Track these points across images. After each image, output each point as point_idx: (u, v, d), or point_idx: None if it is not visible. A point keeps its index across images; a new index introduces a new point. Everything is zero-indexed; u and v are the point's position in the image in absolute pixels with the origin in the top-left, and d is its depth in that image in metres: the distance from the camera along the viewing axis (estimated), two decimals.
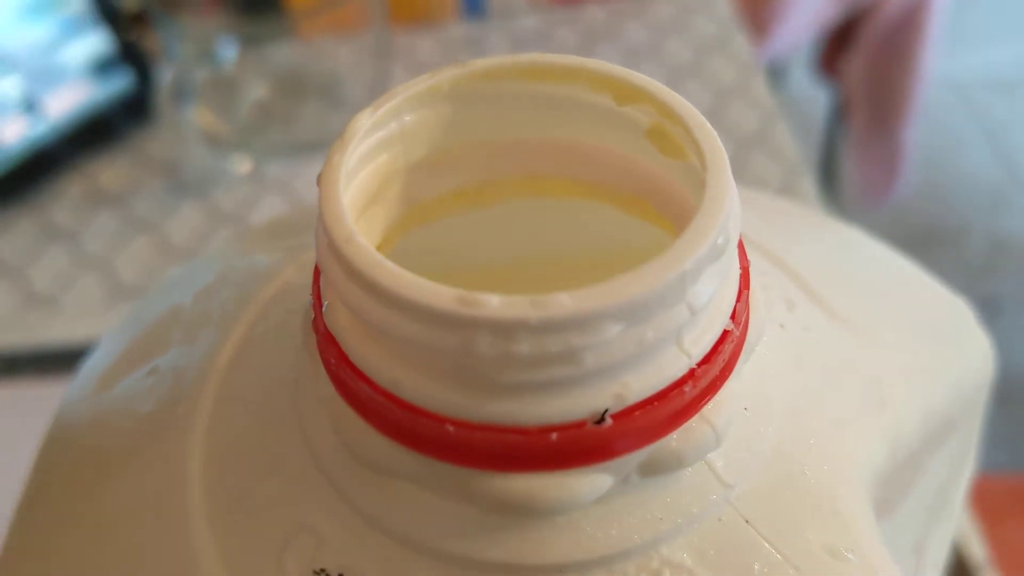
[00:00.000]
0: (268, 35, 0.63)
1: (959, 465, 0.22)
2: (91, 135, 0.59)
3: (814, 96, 1.25)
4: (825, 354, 0.17)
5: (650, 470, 0.14)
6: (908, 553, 0.21)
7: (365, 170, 0.15)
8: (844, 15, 1.10)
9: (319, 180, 0.14)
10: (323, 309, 0.14)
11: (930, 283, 0.21)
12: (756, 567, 0.14)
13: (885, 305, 0.19)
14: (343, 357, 0.13)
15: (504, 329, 0.12)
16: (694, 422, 0.14)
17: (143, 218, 0.57)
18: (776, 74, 1.21)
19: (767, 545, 0.14)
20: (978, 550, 0.45)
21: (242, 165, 0.59)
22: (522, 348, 0.12)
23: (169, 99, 0.60)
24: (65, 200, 0.58)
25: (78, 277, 0.55)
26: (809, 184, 0.56)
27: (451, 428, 0.13)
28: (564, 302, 0.12)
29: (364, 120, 0.15)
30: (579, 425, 0.13)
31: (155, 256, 0.55)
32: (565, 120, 0.16)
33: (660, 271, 0.12)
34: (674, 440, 0.13)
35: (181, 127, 0.60)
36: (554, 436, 0.13)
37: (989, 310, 1.25)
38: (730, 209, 0.13)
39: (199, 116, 0.59)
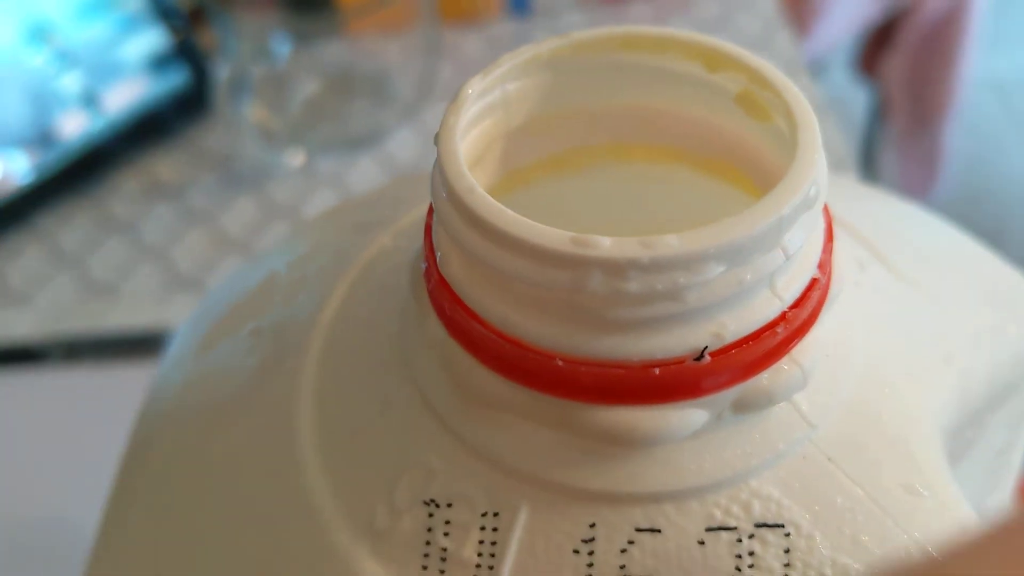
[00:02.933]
0: (320, 33, 0.64)
1: (1016, 431, 0.22)
2: (148, 130, 0.61)
3: (854, 95, 1.25)
4: (895, 311, 0.18)
5: (742, 407, 0.15)
6: None
7: (471, 133, 0.16)
8: (884, 14, 1.10)
9: (437, 139, 0.15)
10: (437, 259, 0.15)
11: (989, 255, 0.22)
12: (839, 501, 0.15)
13: (947, 270, 0.20)
14: (457, 300, 0.15)
15: (616, 267, 0.13)
16: (784, 363, 0.15)
17: (199, 210, 0.58)
18: (816, 73, 1.21)
19: (848, 481, 0.15)
20: None
21: (295, 159, 0.60)
22: (631, 286, 0.13)
23: (225, 94, 0.61)
24: (123, 193, 0.60)
25: (136, 267, 0.56)
26: (854, 179, 0.57)
27: (560, 363, 0.14)
28: (672, 243, 0.13)
29: (475, 86, 0.16)
30: (679, 362, 0.14)
31: (210, 247, 0.56)
32: (655, 88, 0.17)
33: (760, 216, 0.13)
34: (765, 379, 0.14)
35: (236, 122, 0.61)
36: (656, 371, 0.14)
37: None
38: (820, 163, 0.14)
39: (253, 111, 0.61)
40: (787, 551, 0.14)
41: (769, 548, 0.14)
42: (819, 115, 0.53)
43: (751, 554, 0.14)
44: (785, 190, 0.13)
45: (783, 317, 0.14)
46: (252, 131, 0.61)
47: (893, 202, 0.23)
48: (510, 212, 0.13)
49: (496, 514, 0.15)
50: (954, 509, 0.15)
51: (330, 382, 0.17)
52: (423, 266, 0.16)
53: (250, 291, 0.21)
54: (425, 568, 0.15)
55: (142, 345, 0.51)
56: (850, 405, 0.16)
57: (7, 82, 0.58)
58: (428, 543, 0.15)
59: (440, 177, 0.14)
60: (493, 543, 0.15)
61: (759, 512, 0.15)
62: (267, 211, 0.58)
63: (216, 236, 0.57)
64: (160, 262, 0.56)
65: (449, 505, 0.15)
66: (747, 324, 0.14)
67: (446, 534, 0.15)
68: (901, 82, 1.15)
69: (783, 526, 0.14)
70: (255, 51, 0.60)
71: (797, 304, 0.14)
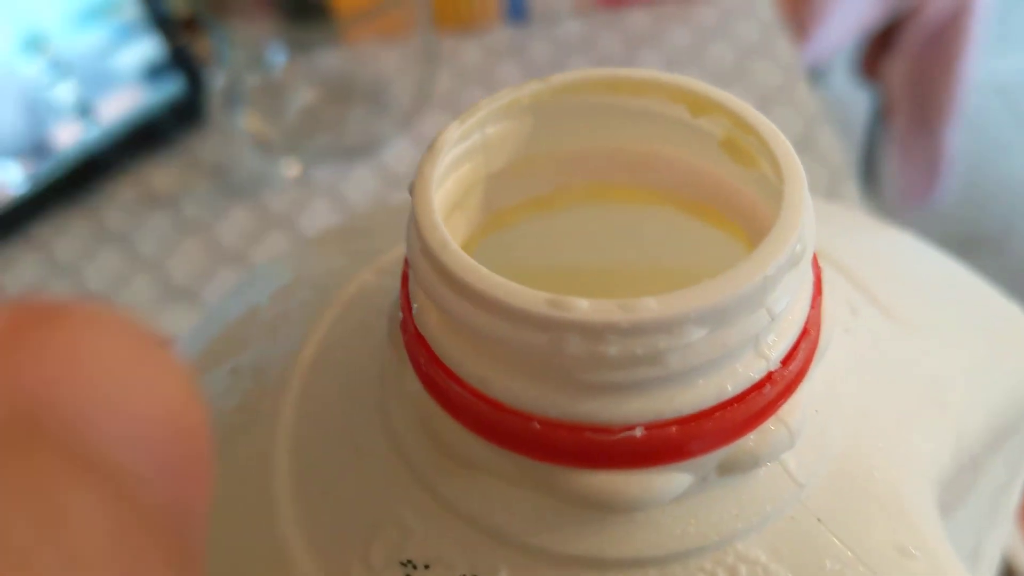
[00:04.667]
0: (316, 41, 0.64)
1: (1015, 469, 0.22)
2: (143, 139, 0.61)
3: (855, 99, 1.24)
4: (888, 356, 0.17)
5: (727, 469, 0.14)
6: (966, 557, 0.22)
7: (450, 179, 0.16)
8: (886, 17, 1.09)
9: (411, 189, 0.14)
10: (413, 311, 0.15)
11: (984, 287, 0.21)
12: (828, 564, 0.14)
13: (942, 308, 0.20)
14: (433, 356, 0.14)
15: (594, 331, 0.12)
16: (770, 423, 0.14)
17: (194, 220, 0.58)
18: (817, 77, 1.20)
19: (838, 543, 0.14)
20: None
21: (290, 169, 0.60)
22: (610, 350, 0.12)
23: (220, 104, 0.61)
24: (118, 203, 0.59)
25: (131, 278, 0.56)
26: (853, 188, 0.56)
27: (537, 426, 0.13)
28: (651, 306, 0.12)
29: (452, 132, 0.15)
30: (662, 426, 0.13)
31: (205, 257, 0.56)
32: (639, 131, 0.16)
33: (742, 277, 0.13)
34: (751, 440, 0.14)
35: (231, 131, 0.61)
36: (638, 435, 0.13)
37: None
38: (807, 218, 0.13)
39: (248, 121, 0.60)
40: None
41: None
42: (818, 122, 0.52)
43: None
44: (769, 248, 0.13)
45: (769, 377, 0.14)
46: (247, 141, 0.61)
47: (887, 233, 0.22)
48: (484, 270, 0.13)
49: None
50: (947, 570, 0.15)
51: (307, 427, 0.17)
52: (400, 316, 0.15)
53: (231, 324, 0.21)
54: None
55: None
56: (840, 462, 0.15)
57: (1, 92, 0.57)
58: None
59: (414, 230, 0.14)
60: None
61: None
62: (262, 221, 0.57)
63: (211, 246, 0.56)
64: (155, 272, 0.56)
65: (426, 567, 0.15)
66: (732, 386, 0.13)
67: None
68: (903, 85, 1.14)
69: None
70: (250, 60, 0.60)
71: (784, 363, 0.14)
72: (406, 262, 0.15)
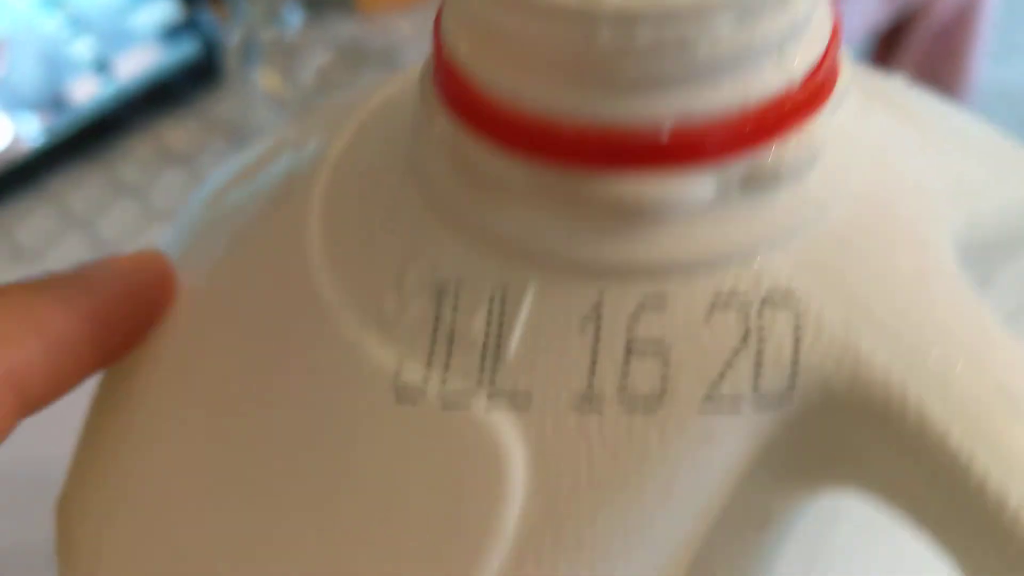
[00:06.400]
0: (331, 3, 0.65)
1: None
2: (159, 96, 0.62)
3: None
4: (909, 136, 0.18)
5: (750, 183, 0.15)
6: None
7: None
8: (893, 19, 1.10)
9: None
10: (446, 43, 0.15)
11: (994, 130, 0.22)
12: (848, 279, 0.15)
13: (964, 129, 0.20)
14: (464, 81, 0.15)
15: (624, 19, 0.13)
16: (791, 138, 0.15)
17: (209, 175, 0.58)
18: None
19: (860, 262, 0.15)
20: None
21: None
22: (639, 38, 0.13)
23: (236, 62, 0.62)
24: (134, 158, 0.60)
25: (145, 230, 0.56)
26: None
27: (565, 127, 0.14)
28: None
29: None
30: (686, 125, 0.14)
31: None
32: None
33: None
34: (772, 153, 0.14)
35: (247, 90, 0.62)
36: (664, 131, 0.14)
37: None
38: None
39: (264, 78, 0.61)
40: (796, 327, 0.14)
41: (778, 321, 0.14)
42: None
43: (760, 327, 0.14)
44: None
45: (790, 91, 0.14)
46: (263, 99, 0.61)
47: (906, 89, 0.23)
48: None
49: (503, 294, 0.15)
50: (965, 297, 0.15)
51: (339, 197, 0.17)
52: (431, 68, 0.16)
53: (262, 151, 0.22)
54: (433, 348, 0.15)
55: None
56: (860, 194, 0.15)
57: (21, 46, 0.58)
58: (436, 325, 0.15)
59: None
60: (500, 323, 0.15)
61: (767, 287, 0.14)
62: None
63: None
64: (169, 224, 0.56)
65: (457, 288, 0.15)
66: (754, 92, 0.14)
67: (454, 315, 0.15)
68: None
69: (792, 300, 0.14)
70: (266, 17, 0.61)
71: (806, 81, 0.14)
72: (439, 11, 0.16)
